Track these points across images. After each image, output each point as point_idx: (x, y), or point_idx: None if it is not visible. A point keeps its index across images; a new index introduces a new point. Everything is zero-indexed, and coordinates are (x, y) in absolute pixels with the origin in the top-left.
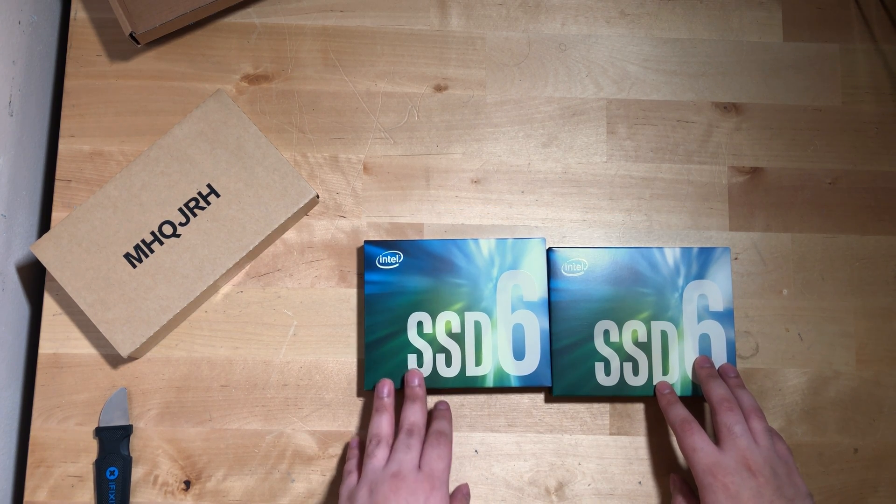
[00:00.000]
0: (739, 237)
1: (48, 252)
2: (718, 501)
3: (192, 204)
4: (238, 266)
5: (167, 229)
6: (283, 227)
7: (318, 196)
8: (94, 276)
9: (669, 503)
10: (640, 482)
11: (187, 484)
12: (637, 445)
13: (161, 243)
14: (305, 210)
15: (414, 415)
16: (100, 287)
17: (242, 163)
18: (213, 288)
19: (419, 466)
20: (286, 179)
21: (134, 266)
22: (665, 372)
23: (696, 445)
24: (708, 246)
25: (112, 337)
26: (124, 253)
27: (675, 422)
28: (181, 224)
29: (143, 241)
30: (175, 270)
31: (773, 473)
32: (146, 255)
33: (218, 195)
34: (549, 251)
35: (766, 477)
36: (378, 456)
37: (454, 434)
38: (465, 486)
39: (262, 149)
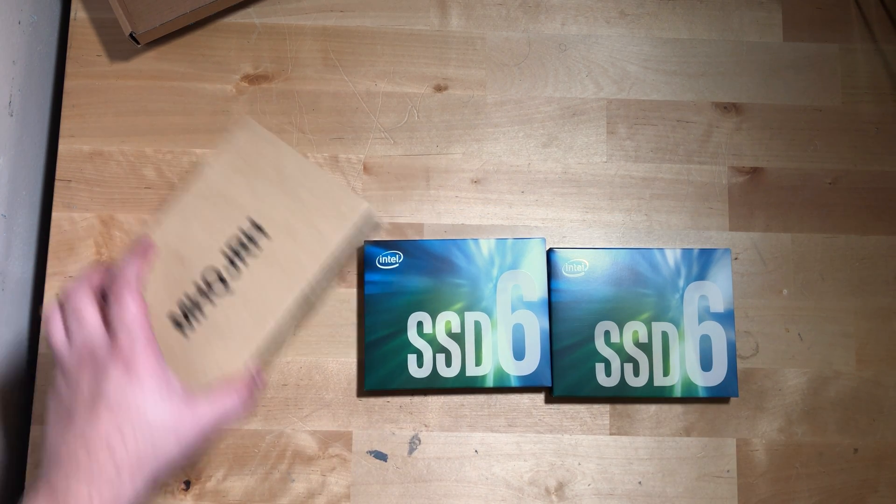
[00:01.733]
0: (739, 237)
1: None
2: None
3: (235, 244)
4: (302, 309)
5: (211, 276)
6: (342, 252)
7: (372, 212)
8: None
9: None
10: (640, 482)
11: (187, 484)
12: (637, 445)
13: (208, 297)
14: (365, 230)
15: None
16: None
17: (284, 190)
18: (278, 341)
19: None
20: (335, 196)
21: (181, 327)
22: (666, 373)
23: None
24: (708, 246)
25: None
26: (167, 312)
27: None
28: (227, 268)
29: (187, 296)
30: (229, 327)
31: None
32: (194, 316)
33: (263, 230)
34: (550, 252)
35: None
36: None
37: (456, 434)
38: (257, 367)
39: (304, 170)
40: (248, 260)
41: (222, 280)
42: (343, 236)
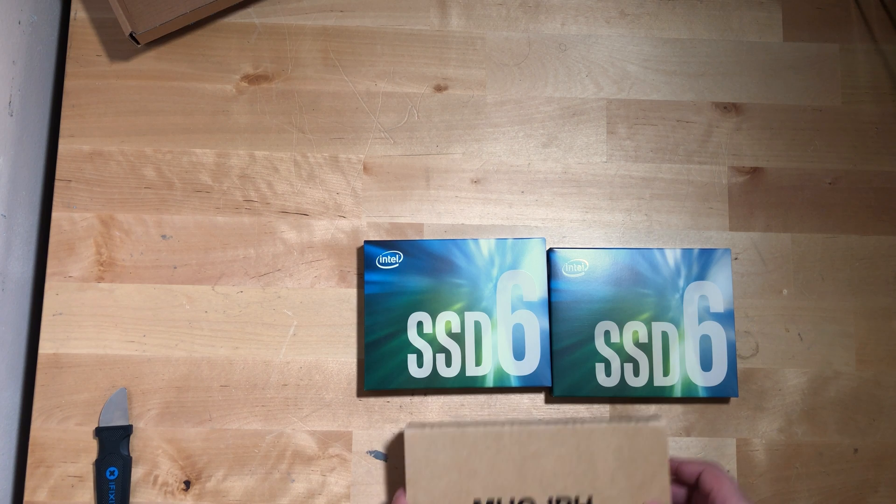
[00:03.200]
0: (739, 237)
1: (418, 438)
2: None
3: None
4: None
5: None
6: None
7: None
8: (437, 493)
9: None
10: None
11: (187, 484)
12: None
13: None
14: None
15: None
16: (434, 503)
17: (633, 502)
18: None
19: None
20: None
21: None
22: (666, 373)
23: None
24: (708, 246)
25: None
26: (475, 498)
27: None
28: None
29: (499, 502)
30: None
31: None
32: None
33: None
34: (550, 252)
35: None
36: None
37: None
38: None
39: (659, 501)
40: None
41: None
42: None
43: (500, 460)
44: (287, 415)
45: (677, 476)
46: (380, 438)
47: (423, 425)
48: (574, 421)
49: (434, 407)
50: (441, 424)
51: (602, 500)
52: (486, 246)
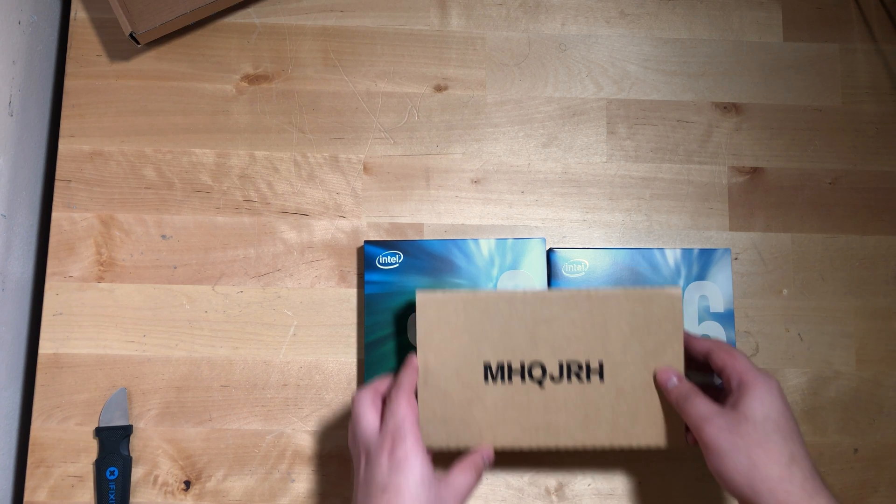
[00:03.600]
0: (739, 237)
1: (430, 301)
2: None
3: (574, 368)
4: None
5: (537, 372)
6: (632, 448)
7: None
8: (447, 355)
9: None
10: (640, 482)
11: (187, 484)
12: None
13: (522, 379)
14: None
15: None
16: (444, 364)
17: (645, 369)
18: (536, 453)
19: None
20: (669, 416)
21: (486, 380)
22: None
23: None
24: (708, 246)
25: (423, 424)
26: (485, 361)
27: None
28: (552, 378)
29: (509, 365)
30: (515, 413)
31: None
32: (503, 380)
33: (602, 379)
34: (550, 252)
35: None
36: None
37: None
38: (488, 449)
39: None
40: (574, 383)
41: (542, 377)
42: (641, 446)
43: (512, 324)
44: (287, 415)
45: (687, 352)
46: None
47: (435, 290)
48: (588, 288)
49: None
50: (453, 290)
51: (613, 366)
52: (486, 246)
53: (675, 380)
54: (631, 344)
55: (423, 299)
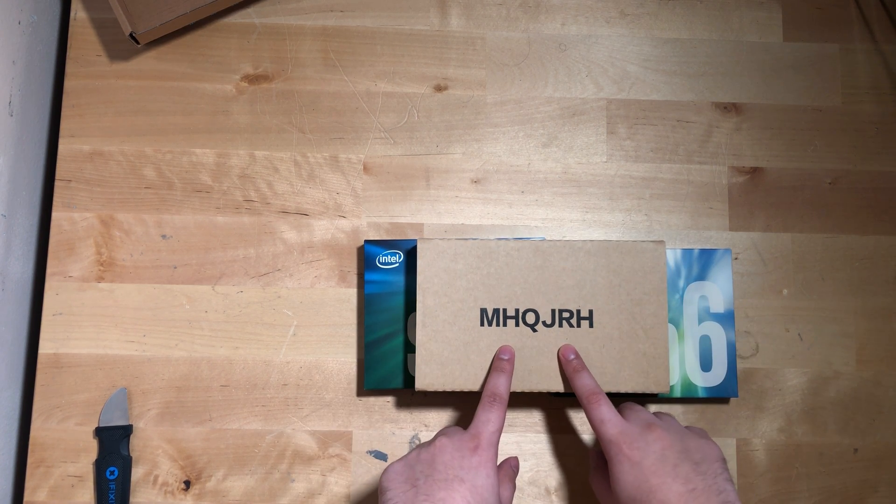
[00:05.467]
0: (739, 237)
1: (430, 247)
2: (623, 472)
3: (565, 315)
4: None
5: (530, 318)
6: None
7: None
8: (446, 299)
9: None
10: None
11: (187, 484)
12: None
13: (517, 324)
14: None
15: (496, 385)
16: (443, 308)
17: (631, 318)
18: (524, 394)
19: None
20: (654, 363)
21: (481, 324)
22: None
23: (603, 417)
24: (708, 246)
25: (420, 365)
26: (482, 307)
27: (583, 393)
28: (545, 324)
29: (504, 311)
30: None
31: (679, 436)
32: (498, 325)
33: (591, 326)
34: None
35: (670, 440)
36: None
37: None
38: (515, 458)
39: (656, 319)
40: (565, 328)
41: (535, 323)
42: (628, 391)
43: (508, 273)
44: (287, 415)
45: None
46: (380, 438)
47: (434, 237)
48: (580, 239)
49: (434, 406)
50: (453, 238)
51: (601, 314)
52: None
53: (587, 380)
54: (618, 293)
55: (423, 244)
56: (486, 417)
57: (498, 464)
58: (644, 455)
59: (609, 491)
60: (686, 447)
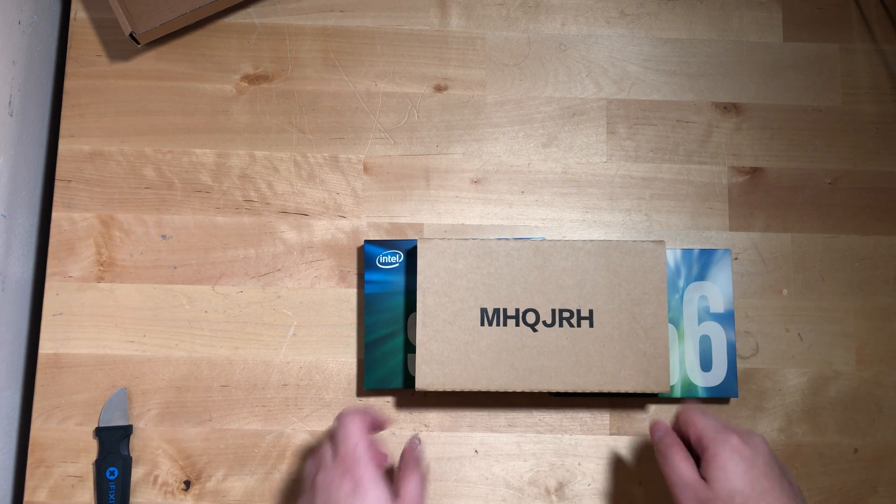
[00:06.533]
0: (739, 237)
1: (430, 246)
2: (734, 463)
3: (565, 314)
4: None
5: (530, 318)
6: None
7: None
8: (446, 299)
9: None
10: (640, 482)
11: (187, 484)
12: (637, 445)
13: (517, 324)
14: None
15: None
16: (443, 308)
17: (631, 317)
18: (524, 394)
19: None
20: (654, 363)
21: (482, 324)
22: None
23: (703, 411)
24: (708, 246)
25: (420, 365)
26: (482, 306)
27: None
28: (545, 324)
29: (504, 310)
30: (509, 357)
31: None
32: (498, 325)
33: (591, 325)
34: None
35: (770, 453)
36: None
37: (455, 434)
38: (415, 439)
39: (656, 318)
40: (566, 328)
41: (535, 323)
42: (629, 390)
43: (508, 272)
44: (287, 415)
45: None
46: (379, 438)
47: (434, 237)
48: (580, 239)
49: (434, 406)
50: (453, 238)
51: (602, 314)
52: None
53: (660, 432)
54: (618, 293)
55: (423, 243)
56: (346, 433)
57: (400, 457)
58: (756, 455)
59: (691, 472)
60: (781, 467)
